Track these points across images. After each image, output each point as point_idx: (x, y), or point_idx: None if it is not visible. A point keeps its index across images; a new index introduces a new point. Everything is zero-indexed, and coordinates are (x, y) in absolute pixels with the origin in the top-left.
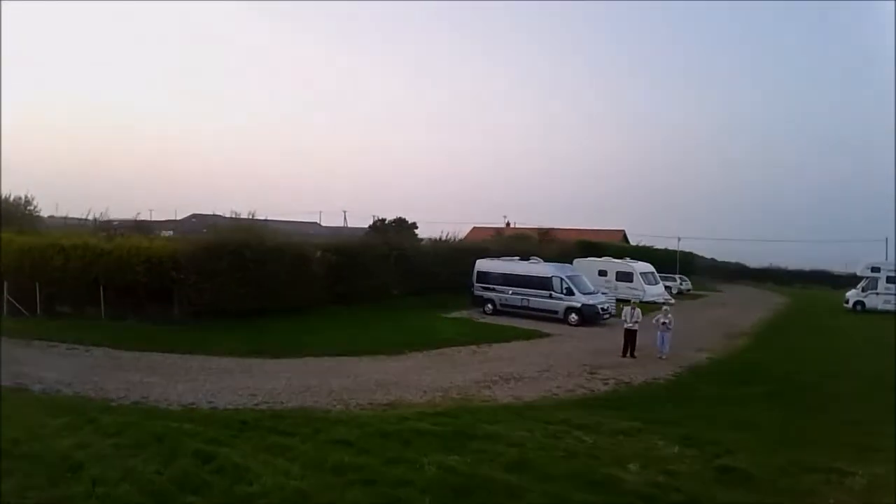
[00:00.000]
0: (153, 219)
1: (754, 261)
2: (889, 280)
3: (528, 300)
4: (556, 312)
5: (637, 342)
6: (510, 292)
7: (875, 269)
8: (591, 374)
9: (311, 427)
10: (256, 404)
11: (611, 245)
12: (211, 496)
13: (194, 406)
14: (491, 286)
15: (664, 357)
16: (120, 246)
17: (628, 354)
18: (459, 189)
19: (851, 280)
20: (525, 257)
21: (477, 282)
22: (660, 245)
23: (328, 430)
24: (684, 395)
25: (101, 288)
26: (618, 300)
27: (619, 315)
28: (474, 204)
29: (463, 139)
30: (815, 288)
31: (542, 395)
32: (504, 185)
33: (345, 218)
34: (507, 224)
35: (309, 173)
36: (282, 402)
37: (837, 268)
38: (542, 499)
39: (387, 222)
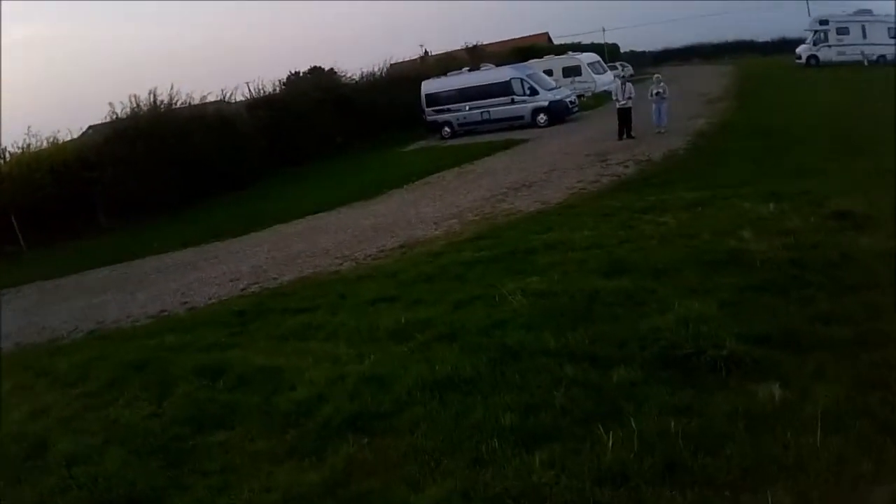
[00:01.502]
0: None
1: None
2: (839, 31)
3: (489, 112)
4: (521, 118)
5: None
6: (467, 108)
7: (823, 22)
8: (603, 161)
9: (332, 293)
10: (244, 289)
11: (542, 47)
12: (247, 422)
13: (166, 313)
14: (444, 107)
15: (664, 130)
16: (18, 161)
17: (625, 136)
18: (370, 25)
19: (778, 45)
20: (474, 67)
21: (427, 106)
22: (586, 41)
23: (354, 292)
24: (715, 158)
25: (12, 217)
26: None
27: (584, 108)
28: (387, 42)
29: None
30: (746, 57)
31: (569, 194)
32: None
33: (250, 90)
34: (426, 52)
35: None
36: (274, 278)
37: (763, 36)
38: (677, 293)
39: (301, 74)
